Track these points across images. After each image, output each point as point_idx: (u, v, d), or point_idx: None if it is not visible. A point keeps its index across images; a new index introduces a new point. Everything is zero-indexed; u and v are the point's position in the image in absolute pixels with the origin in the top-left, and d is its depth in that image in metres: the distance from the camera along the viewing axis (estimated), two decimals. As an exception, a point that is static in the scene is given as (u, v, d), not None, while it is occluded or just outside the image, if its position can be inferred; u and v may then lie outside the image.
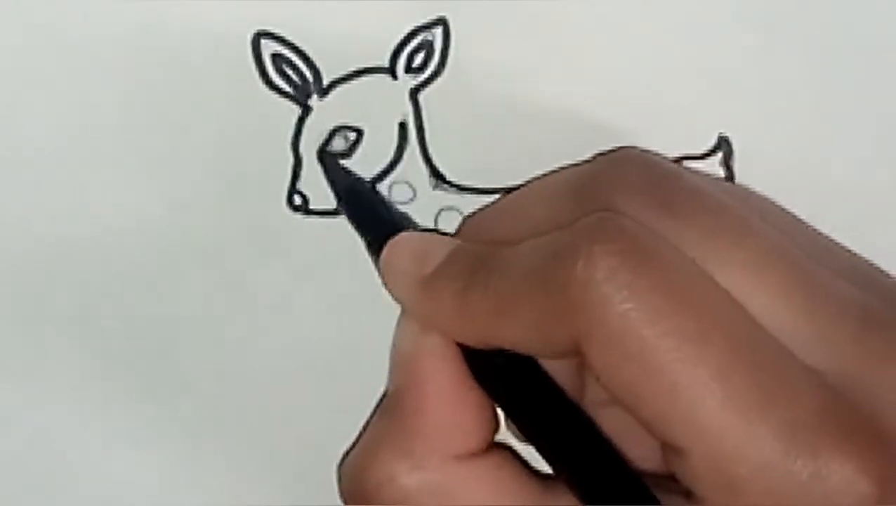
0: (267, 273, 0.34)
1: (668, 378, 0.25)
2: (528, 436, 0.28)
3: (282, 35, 0.33)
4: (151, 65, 0.33)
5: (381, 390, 0.34)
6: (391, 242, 0.30)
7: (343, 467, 0.30)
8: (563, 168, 0.31)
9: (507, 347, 0.27)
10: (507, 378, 0.28)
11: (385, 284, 0.30)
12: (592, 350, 0.26)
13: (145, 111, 0.33)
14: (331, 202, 0.34)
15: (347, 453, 0.30)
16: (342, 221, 0.34)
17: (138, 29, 0.32)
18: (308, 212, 0.34)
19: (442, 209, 0.34)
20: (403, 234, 0.31)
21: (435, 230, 0.34)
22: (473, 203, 0.33)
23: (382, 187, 0.34)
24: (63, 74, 0.33)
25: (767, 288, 0.27)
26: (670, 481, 0.26)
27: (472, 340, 0.28)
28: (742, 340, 0.25)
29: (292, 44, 0.33)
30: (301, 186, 0.34)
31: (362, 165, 0.34)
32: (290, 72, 0.33)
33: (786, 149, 0.34)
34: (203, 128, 0.33)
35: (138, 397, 0.35)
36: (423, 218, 0.34)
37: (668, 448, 0.26)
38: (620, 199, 0.28)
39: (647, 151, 0.30)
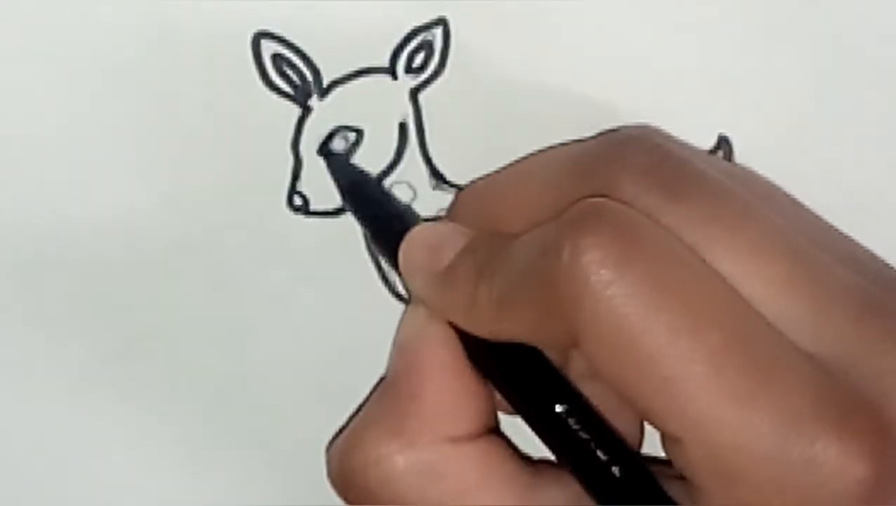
0: (267, 274, 0.34)
1: (661, 373, 0.25)
2: (531, 425, 0.28)
3: (282, 35, 0.33)
4: (151, 65, 0.33)
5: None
6: (407, 238, 0.30)
7: (331, 448, 0.30)
8: (566, 143, 0.31)
9: (513, 340, 0.28)
10: (510, 369, 0.28)
11: (403, 280, 0.30)
12: (586, 346, 0.26)
13: (145, 111, 0.33)
14: (331, 203, 0.34)
15: (337, 435, 0.30)
16: (342, 221, 0.34)
17: (138, 29, 0.32)
18: (308, 213, 0.34)
19: (442, 210, 0.34)
20: (418, 228, 0.31)
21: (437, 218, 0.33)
22: (473, 203, 0.33)
23: (382, 188, 0.34)
24: (62, 74, 0.33)
25: (768, 273, 0.27)
26: (666, 464, 0.27)
27: (483, 334, 0.28)
28: (736, 330, 0.25)
29: (292, 44, 0.33)
30: (301, 186, 0.34)
31: (362, 165, 0.34)
32: (290, 72, 0.33)
33: (786, 149, 0.34)
34: (203, 128, 0.33)
35: (138, 397, 0.35)
36: (422, 219, 0.34)
37: (666, 437, 0.26)
38: (622, 179, 0.28)
39: (654, 130, 0.30)
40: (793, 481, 0.25)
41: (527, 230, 0.28)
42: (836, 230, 0.30)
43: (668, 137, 0.30)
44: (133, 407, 0.35)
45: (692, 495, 0.26)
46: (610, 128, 0.32)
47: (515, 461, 0.29)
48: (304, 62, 0.33)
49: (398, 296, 0.35)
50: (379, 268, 0.35)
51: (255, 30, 0.33)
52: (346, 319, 0.35)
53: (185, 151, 0.33)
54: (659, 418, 0.25)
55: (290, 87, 0.33)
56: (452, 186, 0.34)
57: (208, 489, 0.36)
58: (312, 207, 0.34)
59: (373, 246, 0.34)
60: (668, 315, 0.25)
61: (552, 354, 0.28)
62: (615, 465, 0.27)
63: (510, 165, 0.32)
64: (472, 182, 0.32)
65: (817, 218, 0.31)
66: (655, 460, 0.27)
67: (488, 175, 0.32)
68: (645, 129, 0.31)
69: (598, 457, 0.27)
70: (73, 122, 0.33)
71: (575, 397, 0.28)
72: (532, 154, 0.32)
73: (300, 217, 0.34)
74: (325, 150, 0.33)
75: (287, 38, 0.33)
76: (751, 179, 0.32)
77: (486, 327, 0.28)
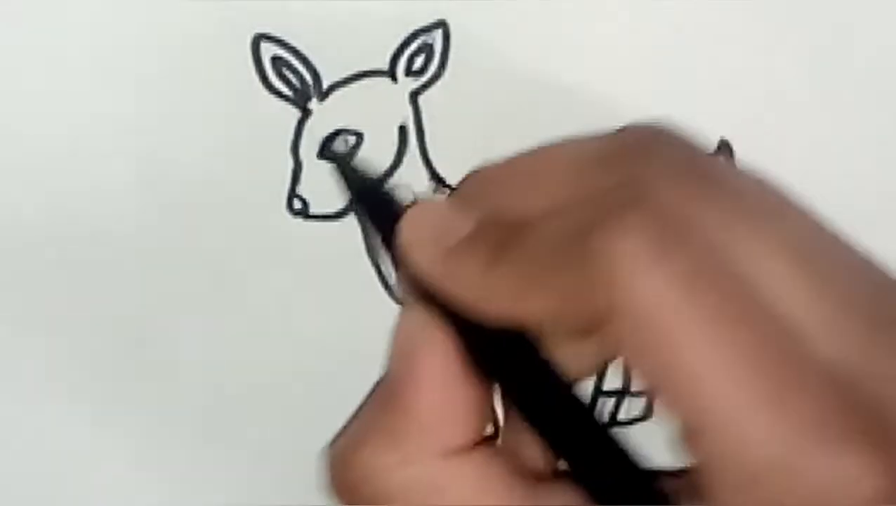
0: (267, 277, 0.34)
1: (693, 362, 0.25)
2: (531, 422, 0.28)
3: (282, 38, 0.33)
4: (152, 68, 0.33)
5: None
6: (410, 212, 0.30)
7: (329, 453, 0.30)
8: (581, 136, 0.31)
9: (529, 321, 0.27)
10: (510, 365, 0.28)
11: (404, 254, 0.30)
12: (617, 327, 0.25)
13: (146, 114, 0.33)
14: (330, 206, 0.34)
15: (335, 439, 0.30)
16: (342, 224, 0.34)
17: (139, 32, 0.32)
18: (308, 216, 0.34)
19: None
20: (420, 205, 0.30)
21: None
22: (473, 206, 0.33)
23: (382, 190, 0.34)
24: (62, 76, 0.33)
25: (792, 277, 0.26)
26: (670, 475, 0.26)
27: (494, 314, 0.28)
28: (767, 331, 0.25)
29: (292, 47, 0.33)
30: (301, 189, 0.34)
31: (364, 166, 0.34)
32: (289, 75, 0.33)
33: (786, 151, 0.34)
34: (203, 131, 0.33)
35: (138, 399, 0.35)
36: (423, 221, 0.34)
37: (687, 431, 0.26)
38: (652, 171, 0.27)
39: (677, 127, 0.30)
40: (810, 487, 0.25)
41: (544, 216, 0.27)
42: (848, 239, 0.30)
43: (691, 138, 0.30)
44: (133, 409, 0.35)
45: (703, 496, 0.26)
46: (618, 126, 0.31)
47: (515, 472, 0.29)
48: (303, 65, 0.33)
49: (398, 299, 0.35)
50: (379, 271, 0.35)
51: (254, 32, 0.33)
52: (345, 321, 0.35)
53: (185, 153, 0.33)
54: (684, 411, 0.25)
55: (290, 89, 0.33)
56: (452, 188, 0.34)
57: (208, 491, 0.36)
58: (312, 211, 0.34)
59: (384, 251, 0.33)
60: (706, 307, 0.25)
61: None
62: (615, 465, 0.27)
63: (519, 154, 0.31)
64: (479, 168, 0.32)
65: (830, 225, 0.31)
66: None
67: (495, 162, 0.32)
68: (669, 125, 0.31)
69: (600, 456, 0.27)
70: (73, 124, 0.33)
71: (575, 395, 0.28)
72: (543, 145, 0.32)
73: (300, 220, 0.34)
74: (328, 153, 0.33)
75: (287, 41, 0.33)
76: (768, 185, 0.32)
77: (500, 307, 0.28)
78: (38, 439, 0.35)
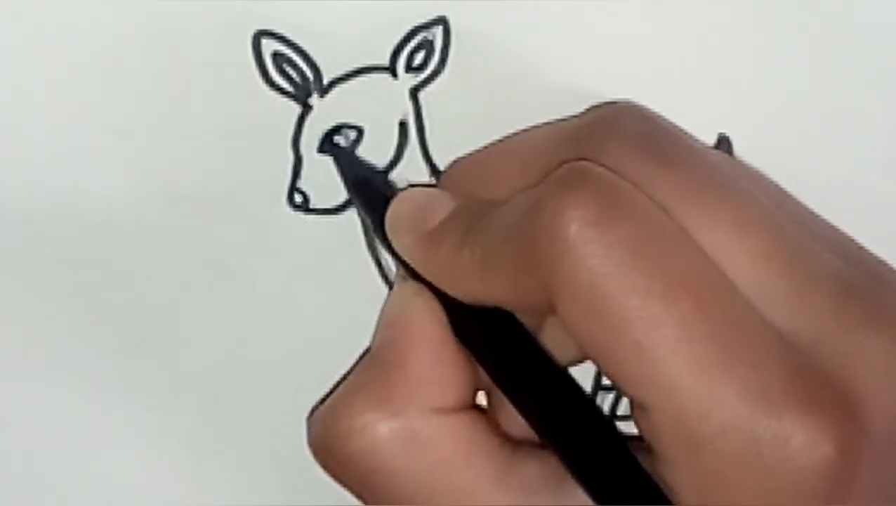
0: (267, 272, 0.35)
1: (633, 336, 0.25)
2: (509, 398, 0.28)
3: (282, 34, 0.33)
4: (152, 64, 0.33)
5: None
6: (397, 197, 0.30)
7: (314, 416, 0.30)
8: (558, 119, 0.31)
9: (492, 302, 0.28)
10: (491, 341, 0.28)
11: (389, 238, 0.30)
12: (561, 304, 0.26)
13: (146, 110, 0.33)
14: (331, 200, 0.34)
15: (319, 404, 0.30)
16: (343, 219, 0.34)
17: (138, 28, 0.32)
18: (308, 210, 0.34)
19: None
20: (409, 189, 0.31)
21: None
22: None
23: (382, 186, 0.34)
24: (63, 73, 0.33)
25: (749, 245, 0.27)
26: (637, 439, 0.27)
27: (464, 296, 0.28)
28: (710, 300, 0.25)
29: (293, 43, 0.33)
30: (301, 184, 0.34)
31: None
32: (290, 71, 0.33)
33: (786, 149, 0.34)
34: (204, 126, 0.33)
35: (138, 397, 0.35)
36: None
37: (634, 405, 0.26)
38: (614, 146, 0.28)
39: (643, 105, 0.30)
40: (758, 453, 0.25)
41: (508, 198, 0.28)
42: (821, 218, 0.31)
43: (657, 113, 0.30)
44: (133, 405, 0.35)
45: (655, 466, 0.26)
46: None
47: (496, 436, 0.29)
48: (304, 60, 0.33)
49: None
50: (379, 265, 0.35)
51: (255, 28, 0.33)
52: (346, 316, 0.35)
53: (186, 149, 0.34)
54: (628, 383, 0.25)
55: (291, 85, 0.33)
56: (450, 183, 0.34)
57: (208, 488, 0.36)
58: (312, 205, 0.34)
59: (377, 241, 0.34)
60: (644, 278, 0.25)
61: (528, 324, 0.29)
62: (592, 438, 0.27)
63: (500, 139, 0.32)
64: (462, 157, 0.32)
65: (802, 205, 0.31)
66: (629, 436, 0.27)
67: (477, 150, 0.32)
68: (635, 103, 0.31)
69: (577, 430, 0.27)
70: (73, 120, 0.33)
71: (553, 370, 0.28)
72: (520, 130, 0.32)
73: (300, 214, 0.34)
74: (330, 144, 0.33)
75: (288, 37, 0.33)
76: (738, 164, 0.32)
77: (467, 289, 0.28)
78: (39, 434, 0.35)
